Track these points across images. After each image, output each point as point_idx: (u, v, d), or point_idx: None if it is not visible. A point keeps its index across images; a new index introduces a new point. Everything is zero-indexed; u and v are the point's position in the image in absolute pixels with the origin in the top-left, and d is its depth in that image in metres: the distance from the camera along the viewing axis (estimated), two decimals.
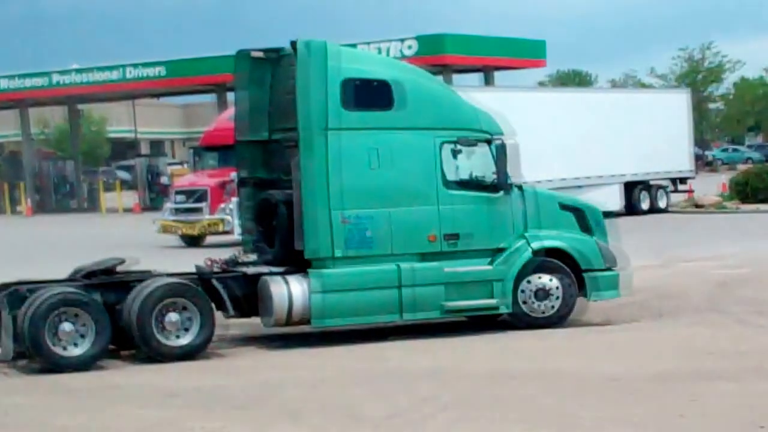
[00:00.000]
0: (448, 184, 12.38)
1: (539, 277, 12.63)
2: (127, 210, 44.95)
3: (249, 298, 12.07)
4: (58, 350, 11.12)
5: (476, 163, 12.69)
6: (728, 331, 12.27)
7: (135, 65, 46.06)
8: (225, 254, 12.90)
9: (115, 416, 9.16)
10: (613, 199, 29.69)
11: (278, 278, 11.95)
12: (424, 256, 12.28)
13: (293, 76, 11.98)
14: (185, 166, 45.67)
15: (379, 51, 37.55)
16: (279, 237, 12.37)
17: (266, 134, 12.90)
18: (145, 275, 11.96)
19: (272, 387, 10.07)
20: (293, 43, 12.03)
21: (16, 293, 11.35)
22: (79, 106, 56.08)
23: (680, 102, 34.63)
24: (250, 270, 12.27)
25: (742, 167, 49.78)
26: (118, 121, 71.28)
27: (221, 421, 8.83)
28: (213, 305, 11.77)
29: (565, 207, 13.14)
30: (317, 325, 12.08)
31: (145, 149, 72.61)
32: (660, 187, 33.23)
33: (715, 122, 72.66)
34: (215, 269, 12.44)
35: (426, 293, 12.18)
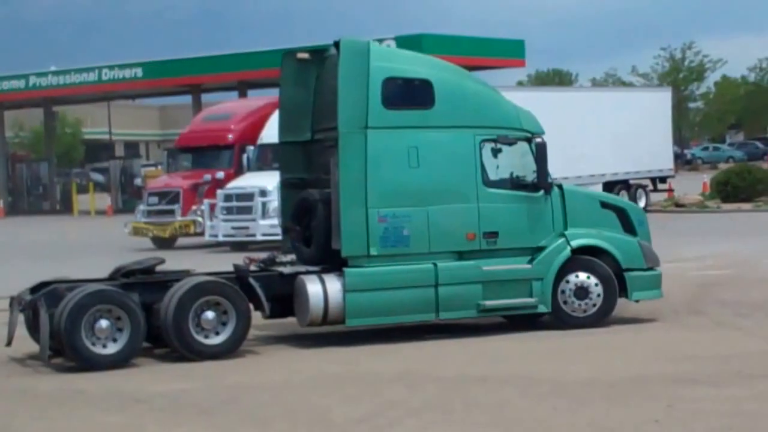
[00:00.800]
0: (487, 182, 12.38)
1: (578, 276, 12.55)
2: (100, 212, 44.63)
3: (286, 297, 12.08)
4: (93, 348, 11.12)
5: (516, 161, 12.68)
6: (708, 334, 12.11)
7: (111, 67, 45.82)
8: (263, 253, 12.93)
9: (76, 422, 9.00)
10: None
11: (314, 277, 11.96)
12: (461, 255, 12.25)
13: (336, 76, 12.02)
14: (160, 167, 45.35)
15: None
16: (316, 236, 12.41)
17: (309, 135, 12.99)
18: (183, 275, 11.96)
19: (239, 391, 9.89)
20: (336, 43, 12.16)
21: (55, 292, 11.38)
22: (56, 108, 55.68)
23: (662, 101, 34.51)
24: (287, 269, 12.29)
25: (723, 166, 49.73)
26: (93, 123, 70.89)
27: (185, 426, 8.66)
28: (249, 304, 11.72)
29: (606, 206, 13.11)
30: (352, 324, 12.01)
31: (120, 151, 72.23)
32: (639, 186, 33.14)
33: (695, 121, 72.87)
34: (253, 268, 12.41)
35: (463, 292, 12.14)
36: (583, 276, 12.56)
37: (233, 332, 11.51)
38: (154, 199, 27.39)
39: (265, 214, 24.37)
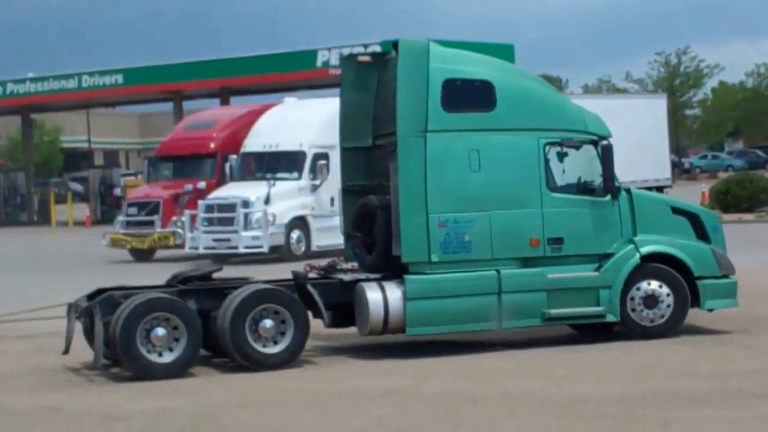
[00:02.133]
0: (552, 186, 12.17)
1: (648, 284, 12.30)
2: (79, 223, 44.15)
3: (346, 305, 11.92)
4: (149, 356, 11.01)
5: (582, 164, 12.43)
6: (706, 350, 11.84)
7: (91, 73, 45.42)
8: (323, 261, 12.84)
9: None
10: None
11: (374, 284, 11.80)
12: (525, 261, 12.03)
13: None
14: (140, 177, 44.93)
15: (341, 56, 37.13)
16: (377, 243, 12.27)
17: (370, 141, 12.82)
18: (241, 282, 11.85)
19: (219, 410, 9.63)
20: (395, 43, 11.98)
21: (111, 299, 11.29)
22: (33, 116, 55.18)
23: (658, 108, 34.29)
24: (347, 276, 12.14)
25: (722, 175, 49.38)
26: (72, 131, 70.34)
27: None
28: (308, 312, 11.59)
29: (678, 211, 12.82)
30: (413, 333, 11.85)
31: (99, 160, 71.70)
32: None
33: (692, 128, 72.43)
34: (313, 275, 12.28)
35: (527, 300, 11.92)
36: (653, 284, 12.29)
37: (291, 341, 11.34)
38: (134, 210, 27.02)
39: (247, 225, 24.08)
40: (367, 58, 12.81)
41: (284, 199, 24.22)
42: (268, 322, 11.28)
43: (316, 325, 11.93)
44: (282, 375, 11.22)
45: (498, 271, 11.84)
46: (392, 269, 11.95)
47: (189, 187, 26.57)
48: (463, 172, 11.82)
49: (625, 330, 12.39)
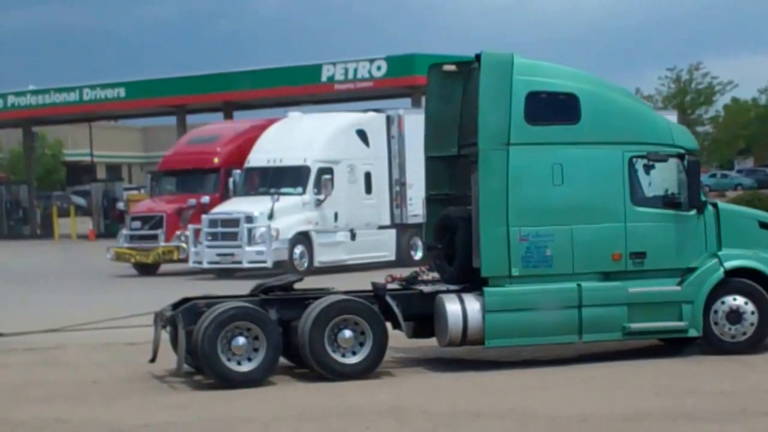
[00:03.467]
0: (635, 200, 12.08)
1: (733, 299, 12.18)
2: (82, 237, 44.12)
3: (425, 316, 11.96)
4: (230, 365, 11.20)
5: (666, 178, 12.37)
6: (712, 368, 11.80)
7: (93, 87, 45.43)
8: (405, 272, 12.87)
9: None
10: None
11: (454, 296, 11.83)
12: (606, 275, 11.98)
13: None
14: (143, 191, 44.90)
15: (346, 71, 37.16)
16: (458, 255, 12.24)
17: (455, 150, 12.76)
18: (322, 292, 11.99)
19: (224, 424, 9.62)
20: (478, 56, 11.97)
21: (194, 308, 11.49)
22: (35, 129, 55.20)
23: None
24: (427, 288, 12.19)
25: (731, 194, 49.18)
26: (74, 144, 70.37)
27: None
28: (386, 323, 11.67)
29: (766, 226, 12.64)
30: (491, 345, 11.86)
31: (102, 173, 71.69)
32: None
33: (703, 146, 71.72)
34: (394, 286, 12.32)
35: (608, 314, 11.87)
36: (738, 300, 12.16)
37: (370, 352, 11.45)
38: (137, 224, 27.03)
39: (251, 240, 24.04)
40: (452, 68, 12.72)
41: (288, 214, 24.19)
42: (347, 333, 11.41)
43: (396, 336, 12.01)
44: (288, 389, 11.24)
45: (579, 285, 11.80)
46: (472, 281, 11.95)
47: (193, 201, 26.58)
48: (546, 185, 11.79)
49: (707, 345, 12.29)
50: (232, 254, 24.26)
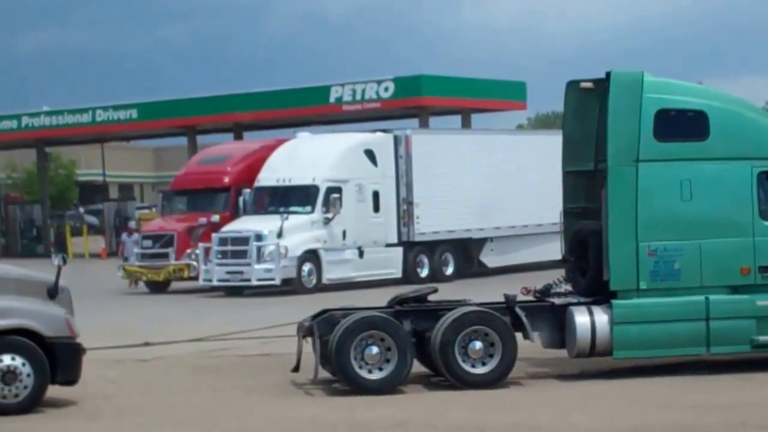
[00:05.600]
0: (764, 215, 12.18)
1: None
2: (94, 255, 44.43)
3: (556, 328, 12.20)
4: (362, 373, 11.59)
5: None
6: (713, 383, 11.92)
7: (105, 108, 45.80)
8: (540, 283, 13.08)
9: None
10: None
11: (583, 308, 12.09)
12: (734, 289, 12.11)
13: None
14: (154, 210, 45.28)
15: (354, 92, 37.45)
16: (590, 267, 12.47)
17: (592, 164, 12.91)
18: (455, 304, 12.24)
19: None
20: (608, 74, 12.20)
21: (330, 318, 11.90)
22: (48, 149, 55.67)
23: None
24: (558, 300, 12.44)
25: None
26: (87, 164, 70.83)
27: None
28: (515, 334, 11.88)
29: None
30: (619, 356, 12.07)
31: (114, 193, 72.10)
32: None
33: None
34: (526, 298, 12.51)
35: (736, 326, 12.00)
36: None
37: (499, 362, 11.72)
38: (149, 242, 27.28)
39: (260, 258, 24.32)
40: (589, 85, 12.91)
41: (297, 232, 24.44)
42: (477, 344, 11.71)
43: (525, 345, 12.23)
44: (296, 404, 11.35)
45: (707, 298, 11.96)
46: (603, 293, 12.16)
47: (203, 220, 26.84)
48: (674, 201, 11.99)
49: None
50: (241, 272, 24.51)
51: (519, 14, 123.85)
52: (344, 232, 25.08)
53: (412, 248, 26.18)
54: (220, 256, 24.82)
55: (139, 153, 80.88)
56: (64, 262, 11.46)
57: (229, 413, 11.02)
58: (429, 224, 26.18)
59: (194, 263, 25.97)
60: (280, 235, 24.26)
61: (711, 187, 12.10)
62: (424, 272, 26.25)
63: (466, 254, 27.45)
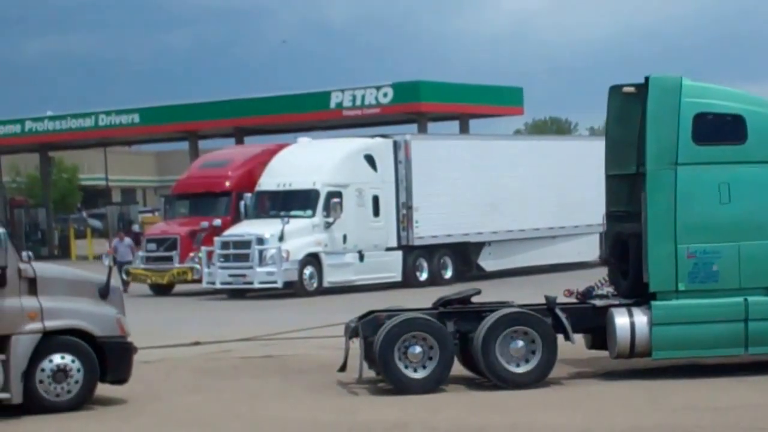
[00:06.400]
0: None
1: None
2: (98, 257, 44.70)
3: (597, 329, 12.40)
4: (406, 371, 11.82)
5: None
6: (708, 384, 12.03)
7: (108, 112, 46.04)
8: (582, 285, 13.21)
9: None
10: (592, 249, 29.31)
11: (623, 310, 12.26)
12: None
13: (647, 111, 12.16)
14: (157, 214, 45.61)
15: (354, 98, 37.78)
16: (631, 270, 12.61)
17: (634, 168, 13.00)
18: (497, 305, 12.44)
19: None
20: (647, 79, 12.35)
21: (375, 320, 12.12)
22: (52, 154, 55.97)
23: None
24: (599, 302, 12.61)
25: None
26: (90, 169, 71.13)
27: None
28: (556, 335, 12.05)
29: None
30: (659, 357, 12.25)
31: (116, 197, 72.41)
32: None
33: None
34: (569, 300, 12.65)
35: None
36: None
37: (539, 362, 11.95)
38: (153, 246, 27.47)
39: (262, 261, 24.53)
40: (631, 89, 12.98)
41: (298, 236, 24.64)
42: (519, 342, 11.94)
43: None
44: (298, 405, 11.44)
45: (746, 300, 12.13)
46: (644, 295, 12.34)
47: (205, 224, 27.00)
48: (713, 204, 12.15)
49: None
50: (243, 275, 24.71)
51: (516, 21, 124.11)
52: (345, 236, 25.33)
53: (411, 252, 26.37)
54: (222, 259, 25.06)
55: (141, 157, 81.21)
56: (115, 263, 11.71)
57: (232, 414, 11.14)
58: (428, 228, 26.40)
59: (197, 266, 26.22)
60: (281, 238, 24.47)
61: (749, 189, 12.26)
62: (423, 276, 26.50)
63: (465, 258, 27.59)
